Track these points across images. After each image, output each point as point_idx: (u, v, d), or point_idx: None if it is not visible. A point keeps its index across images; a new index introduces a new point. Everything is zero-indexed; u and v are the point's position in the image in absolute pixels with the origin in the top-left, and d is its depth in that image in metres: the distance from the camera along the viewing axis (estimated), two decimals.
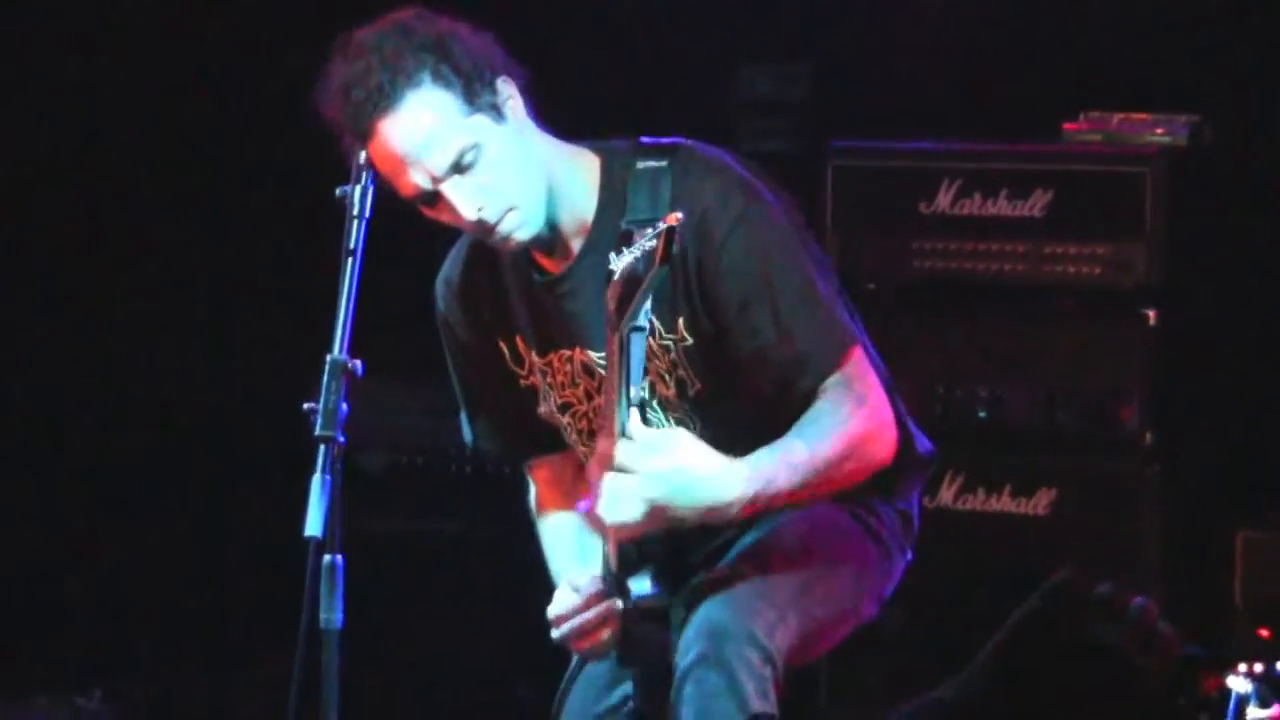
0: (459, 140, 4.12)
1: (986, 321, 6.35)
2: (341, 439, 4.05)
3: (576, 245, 4.31)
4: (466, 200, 4.15)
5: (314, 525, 3.99)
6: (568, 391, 4.41)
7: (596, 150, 4.33)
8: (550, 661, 4.67)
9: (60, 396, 7.63)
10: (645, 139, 4.36)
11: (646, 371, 4.17)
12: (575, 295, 4.33)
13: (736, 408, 4.27)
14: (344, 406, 4.06)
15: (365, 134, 4.11)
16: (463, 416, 4.71)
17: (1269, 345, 6.64)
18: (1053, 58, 6.86)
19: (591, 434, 4.39)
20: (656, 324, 4.19)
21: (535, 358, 4.44)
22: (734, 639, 3.99)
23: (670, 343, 4.27)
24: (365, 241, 4.13)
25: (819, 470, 4.07)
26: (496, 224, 4.18)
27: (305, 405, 4.07)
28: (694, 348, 4.25)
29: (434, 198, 4.19)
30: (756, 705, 3.99)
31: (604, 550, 4.33)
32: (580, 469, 4.53)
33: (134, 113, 7.65)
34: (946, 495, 6.32)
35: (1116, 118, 6.49)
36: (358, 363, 4.09)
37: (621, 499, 3.95)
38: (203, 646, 7.31)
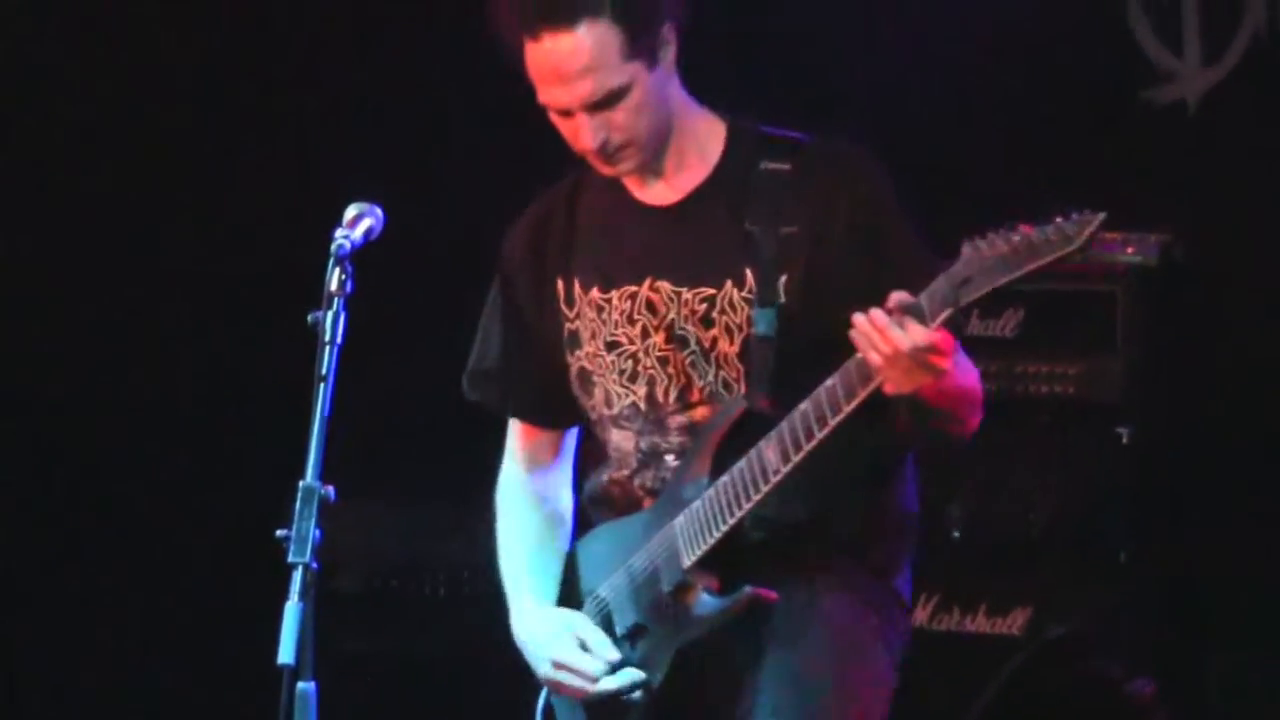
0: (612, 79, 4.13)
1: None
2: (315, 565, 4.00)
3: (685, 188, 4.28)
4: (595, 132, 4.16)
5: (286, 653, 3.89)
6: (621, 330, 4.35)
7: (722, 117, 4.34)
8: None
9: (46, 522, 7.50)
10: (770, 128, 4.38)
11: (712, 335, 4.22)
12: (676, 232, 4.31)
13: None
14: (317, 532, 3.99)
15: (533, 34, 4.15)
16: (468, 369, 4.65)
17: (1240, 458, 6.60)
18: (1023, 174, 6.84)
19: (634, 375, 4.36)
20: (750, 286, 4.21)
21: (596, 294, 4.37)
22: None
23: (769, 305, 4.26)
24: (338, 367, 4.08)
25: (970, 402, 4.12)
26: (609, 155, 4.21)
27: (279, 532, 4.00)
28: (788, 311, 4.24)
29: (566, 113, 4.21)
30: None
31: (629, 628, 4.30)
32: (555, 450, 4.57)
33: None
34: (921, 616, 6.28)
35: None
36: (330, 489, 4.02)
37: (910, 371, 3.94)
38: None
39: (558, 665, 4.35)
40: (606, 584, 4.43)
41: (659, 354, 4.30)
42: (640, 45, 4.16)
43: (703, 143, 4.31)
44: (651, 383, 4.31)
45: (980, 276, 3.84)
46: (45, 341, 7.53)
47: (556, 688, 4.42)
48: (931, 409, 4.09)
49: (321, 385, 4.00)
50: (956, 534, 6.31)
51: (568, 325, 4.42)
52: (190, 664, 7.27)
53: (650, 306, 4.32)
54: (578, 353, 4.41)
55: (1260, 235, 6.78)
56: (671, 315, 4.30)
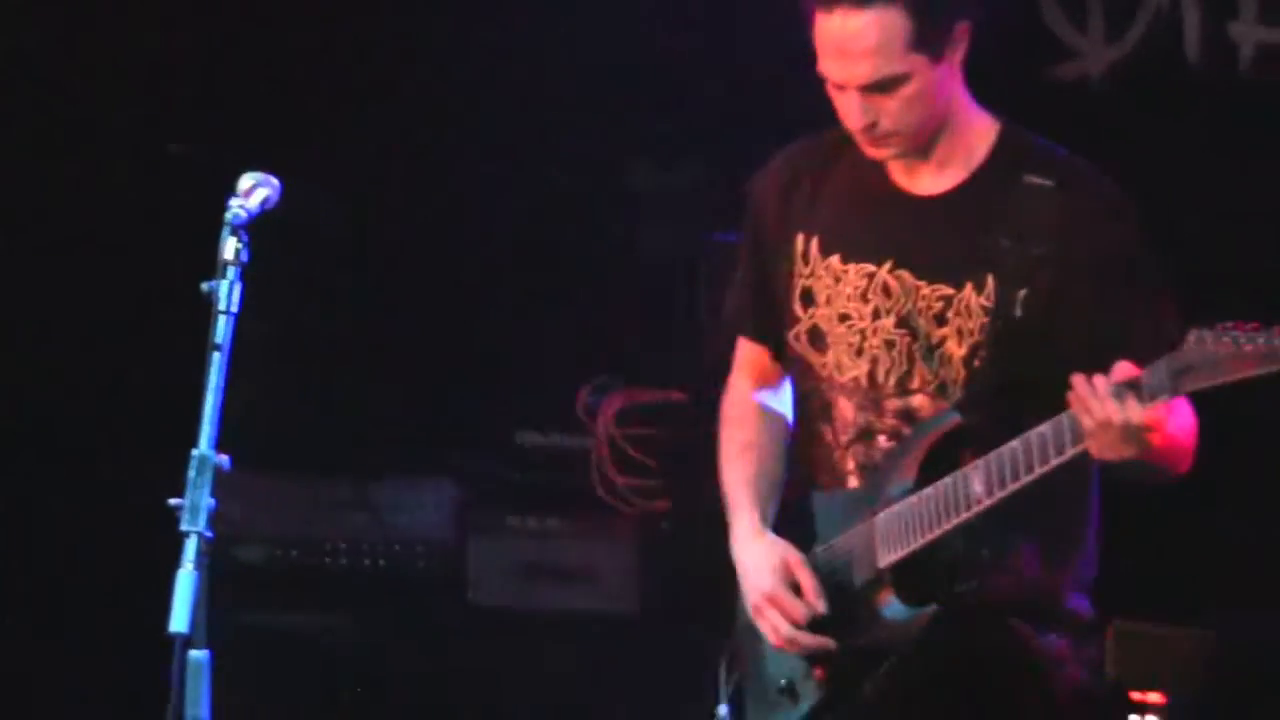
0: (893, 67, 4.13)
1: None
2: (209, 534, 3.91)
3: (949, 182, 4.30)
4: (865, 113, 4.17)
5: (179, 621, 3.82)
6: (852, 304, 4.37)
7: (997, 118, 4.34)
8: None
9: None
10: (1041, 139, 4.39)
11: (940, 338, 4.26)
12: (929, 223, 4.31)
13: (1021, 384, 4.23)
14: (211, 501, 3.93)
15: (827, 6, 4.15)
16: (728, 301, 4.64)
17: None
18: None
19: (860, 351, 4.36)
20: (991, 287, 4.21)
21: (835, 261, 4.39)
22: None
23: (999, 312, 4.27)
24: (233, 337, 4.04)
25: (1178, 457, 4.10)
26: (876, 138, 4.21)
27: (172, 501, 3.94)
28: (1018, 325, 4.26)
29: (841, 87, 4.21)
30: None
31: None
32: (780, 376, 4.58)
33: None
34: None
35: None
36: (224, 458, 3.98)
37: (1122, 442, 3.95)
38: None
39: (770, 598, 4.33)
40: (812, 554, 4.45)
41: (886, 337, 4.31)
42: (928, 38, 4.15)
43: (973, 142, 4.31)
44: (875, 362, 4.31)
45: (1203, 370, 3.80)
46: None
47: (758, 616, 4.38)
48: (1138, 465, 4.09)
49: (216, 354, 3.97)
50: None
51: (802, 280, 4.43)
52: (85, 633, 7.18)
53: (886, 289, 4.32)
54: (811, 310, 4.41)
55: (1160, 212, 6.89)
56: (907, 305, 4.30)
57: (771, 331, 4.57)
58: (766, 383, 4.64)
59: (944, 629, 4.22)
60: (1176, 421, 4.08)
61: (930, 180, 4.32)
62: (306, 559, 7.12)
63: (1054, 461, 3.99)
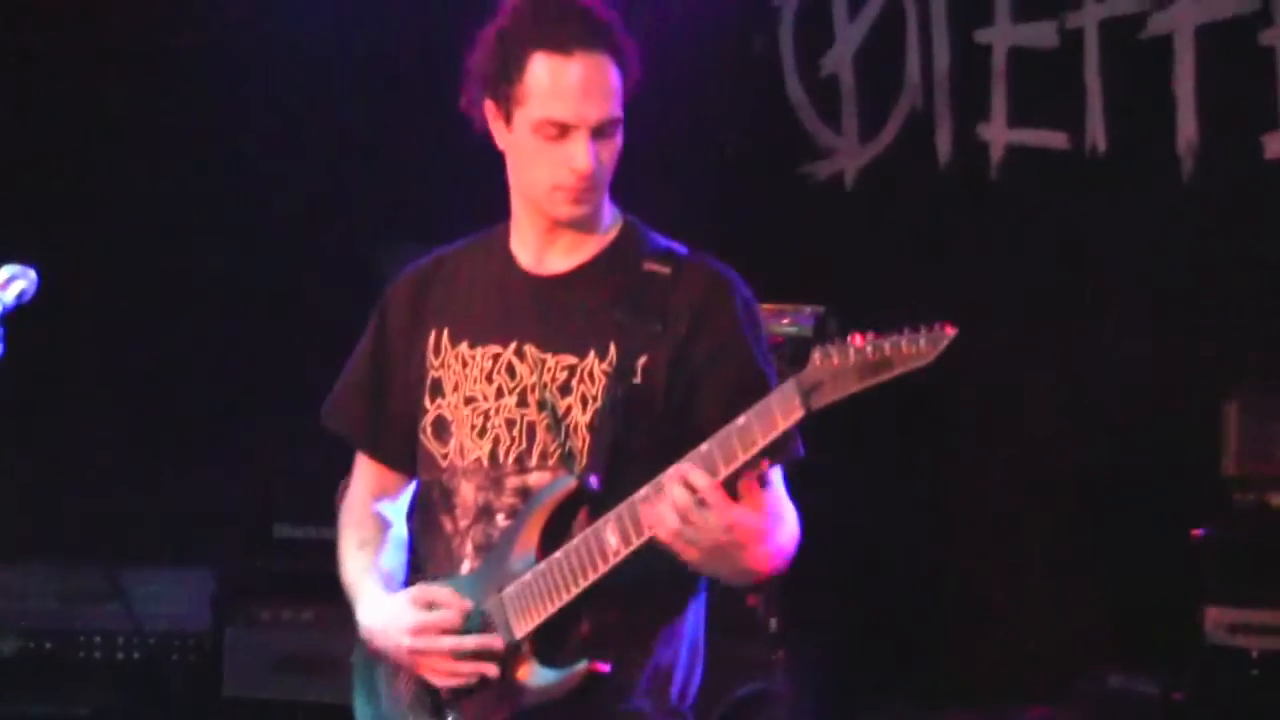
0: (617, 110, 4.23)
1: None
2: None
3: (575, 260, 4.33)
4: (585, 157, 4.19)
5: None
6: (478, 387, 4.35)
7: (620, 209, 4.41)
8: None
9: None
10: (655, 233, 4.47)
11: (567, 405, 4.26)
12: (553, 299, 4.35)
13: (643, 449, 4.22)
14: None
15: (565, 50, 4.16)
16: (331, 398, 4.58)
17: (885, 524, 6.79)
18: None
19: (483, 431, 4.33)
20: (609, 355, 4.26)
21: (464, 348, 4.39)
22: None
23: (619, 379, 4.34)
24: None
25: (783, 550, 4.13)
26: (583, 189, 4.23)
27: None
28: (640, 391, 4.31)
29: (566, 132, 4.17)
30: None
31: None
32: (399, 489, 4.48)
33: None
34: None
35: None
36: None
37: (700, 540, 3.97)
38: None
39: (416, 631, 4.27)
40: None
41: (508, 415, 4.29)
42: (625, 95, 4.30)
43: (602, 228, 4.39)
44: (496, 441, 4.29)
45: (830, 383, 3.87)
46: None
47: (421, 658, 4.28)
48: (713, 566, 4.04)
49: None
50: None
51: (432, 373, 4.43)
52: None
53: (511, 369, 4.37)
54: (439, 400, 4.41)
55: (904, 304, 6.97)
56: (530, 380, 4.32)
57: (388, 444, 4.56)
58: (385, 492, 4.65)
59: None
60: (772, 521, 4.08)
61: (559, 261, 4.38)
62: (61, 652, 6.95)
63: (642, 538, 4.03)
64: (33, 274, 4.21)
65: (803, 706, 6.42)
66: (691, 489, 3.97)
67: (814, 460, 4.25)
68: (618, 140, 4.31)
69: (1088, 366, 6.98)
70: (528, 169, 4.31)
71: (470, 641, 4.26)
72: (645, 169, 6.54)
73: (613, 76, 4.23)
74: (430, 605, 4.32)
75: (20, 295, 4.17)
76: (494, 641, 4.25)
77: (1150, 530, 6.53)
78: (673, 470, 4.03)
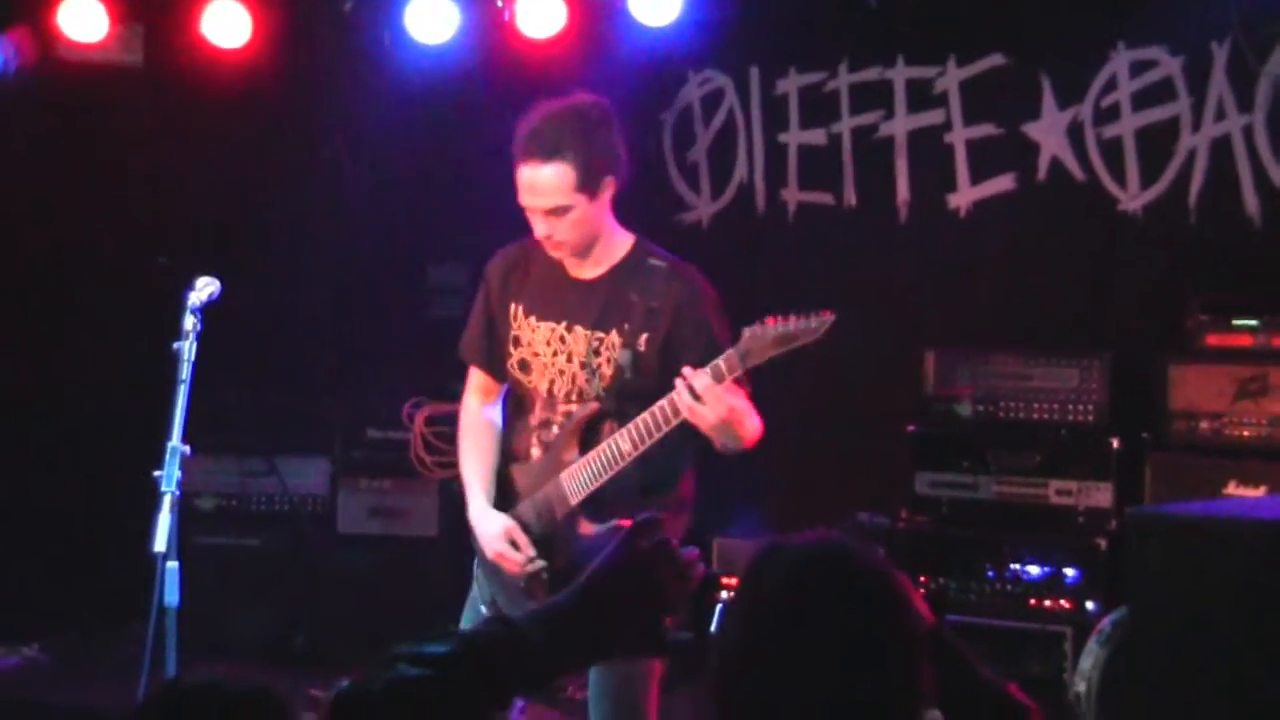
0: (561, 199, 4.46)
1: None
2: (178, 492, 4.64)
3: (600, 271, 4.62)
4: (543, 227, 4.53)
5: (160, 544, 4.59)
6: (539, 350, 4.64)
7: (633, 234, 4.67)
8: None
9: None
10: (658, 247, 4.65)
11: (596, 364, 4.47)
12: (588, 296, 4.61)
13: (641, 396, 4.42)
14: (178, 473, 4.64)
15: (523, 158, 4.47)
16: (464, 338, 4.86)
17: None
18: None
19: (544, 374, 4.63)
20: (625, 333, 4.49)
21: (533, 320, 4.64)
22: None
23: (628, 349, 4.49)
24: (193, 376, 4.76)
25: (755, 433, 4.44)
26: (553, 244, 4.56)
27: (154, 473, 4.65)
28: (642, 354, 4.49)
29: (532, 211, 4.53)
30: None
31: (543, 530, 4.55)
32: (497, 393, 4.79)
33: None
34: None
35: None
36: (187, 447, 4.69)
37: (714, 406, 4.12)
38: (92, 614, 7.48)
39: (498, 555, 4.60)
40: (521, 507, 4.67)
41: (560, 368, 4.63)
42: (587, 185, 4.46)
43: (616, 247, 4.63)
44: (552, 382, 4.64)
45: (757, 351, 4.22)
46: None
47: (498, 561, 4.61)
48: (723, 432, 4.40)
49: (182, 386, 4.74)
50: None
51: (514, 330, 4.69)
52: (93, 557, 7.47)
53: (562, 339, 4.63)
54: (520, 350, 4.67)
55: (744, 300, 6.36)
56: (573, 346, 4.58)
57: (494, 363, 4.76)
58: (488, 398, 4.81)
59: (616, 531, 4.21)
60: (746, 413, 4.45)
61: (589, 270, 4.62)
62: (241, 506, 7.54)
63: (674, 421, 4.35)
64: (218, 282, 4.91)
65: None
66: (692, 389, 4.28)
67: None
68: (573, 217, 4.50)
69: (842, 333, 6.17)
70: None
71: (530, 567, 4.57)
72: None
73: (562, 177, 4.45)
74: (513, 543, 4.59)
75: (211, 296, 4.85)
76: (542, 566, 4.53)
77: (885, 427, 6.89)
78: (686, 372, 4.30)
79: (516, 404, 4.69)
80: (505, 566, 4.53)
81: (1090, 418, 6.49)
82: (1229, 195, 6.65)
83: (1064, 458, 6.46)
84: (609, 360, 4.50)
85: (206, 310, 4.77)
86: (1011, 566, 6.45)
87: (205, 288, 4.77)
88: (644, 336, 4.45)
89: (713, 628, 2.31)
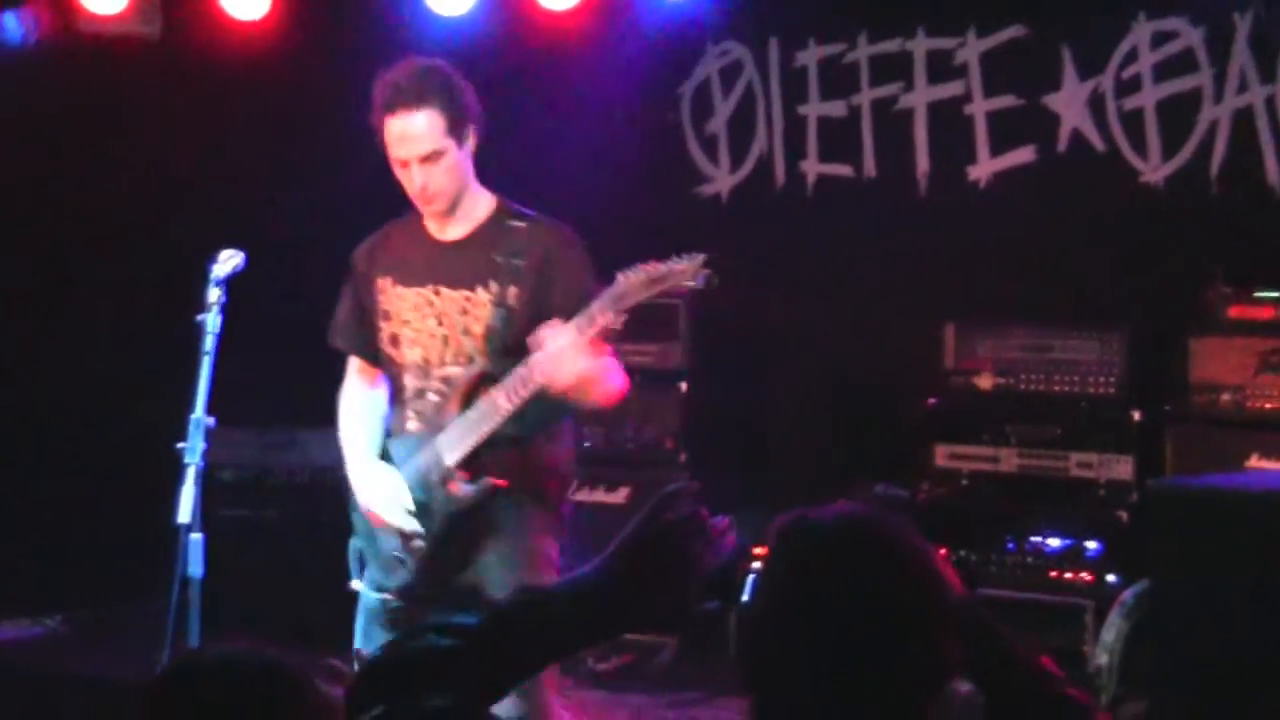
0: (435, 144, 4.52)
1: None
2: (201, 464, 4.66)
3: (464, 231, 4.66)
4: (418, 177, 4.56)
5: (184, 515, 4.63)
6: (412, 314, 4.68)
7: (494, 194, 4.73)
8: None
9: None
10: (518, 205, 4.69)
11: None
12: (453, 257, 4.66)
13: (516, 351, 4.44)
14: (203, 444, 4.65)
15: (392, 112, 4.52)
16: (331, 326, 4.91)
17: (753, 402, 7.32)
18: (626, 242, 6.34)
19: (415, 343, 4.66)
20: (494, 289, 4.51)
21: (400, 289, 4.67)
22: None
23: (500, 303, 4.52)
24: (217, 348, 4.76)
25: (619, 390, 4.53)
26: (429, 196, 4.59)
27: (179, 445, 4.68)
28: (513, 310, 4.51)
29: (405, 164, 4.57)
30: None
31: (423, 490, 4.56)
32: (376, 379, 4.80)
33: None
34: (577, 494, 6.47)
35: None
36: (212, 418, 4.71)
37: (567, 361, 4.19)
38: (115, 585, 7.37)
39: (369, 511, 4.71)
40: (401, 472, 4.67)
41: (430, 332, 4.65)
42: (454, 130, 4.54)
43: (479, 207, 4.69)
44: (426, 348, 4.66)
45: (631, 294, 4.30)
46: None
47: (370, 514, 4.69)
48: (579, 393, 4.42)
49: (206, 358, 4.73)
50: (588, 444, 6.96)
51: (383, 305, 4.73)
52: (116, 528, 7.41)
53: (430, 302, 4.66)
54: (390, 322, 4.72)
55: (764, 272, 7.32)
56: (442, 308, 4.62)
57: (366, 346, 4.78)
58: (368, 378, 4.85)
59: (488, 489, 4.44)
60: (607, 372, 4.46)
61: (454, 230, 4.67)
62: (262, 478, 7.46)
63: (534, 384, 4.36)
64: (242, 254, 4.86)
65: None
66: (546, 350, 4.27)
67: None
68: (444, 164, 4.53)
69: (861, 306, 7.33)
70: (404, 186, 4.66)
71: (404, 524, 4.60)
72: (609, 193, 6.95)
73: (433, 120, 4.50)
74: (391, 496, 4.58)
75: (235, 268, 4.83)
76: (418, 528, 4.56)
77: (900, 401, 7.07)
78: (542, 329, 4.31)
79: (392, 387, 4.74)
80: (376, 518, 4.58)
81: (1111, 390, 6.50)
82: (1251, 167, 6.65)
83: (1085, 430, 6.47)
84: (478, 320, 4.52)
85: (230, 282, 4.78)
86: (1032, 539, 6.48)
87: (229, 260, 4.75)
88: (512, 291, 4.47)
89: (743, 598, 2.33)
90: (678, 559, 2.34)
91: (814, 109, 7.64)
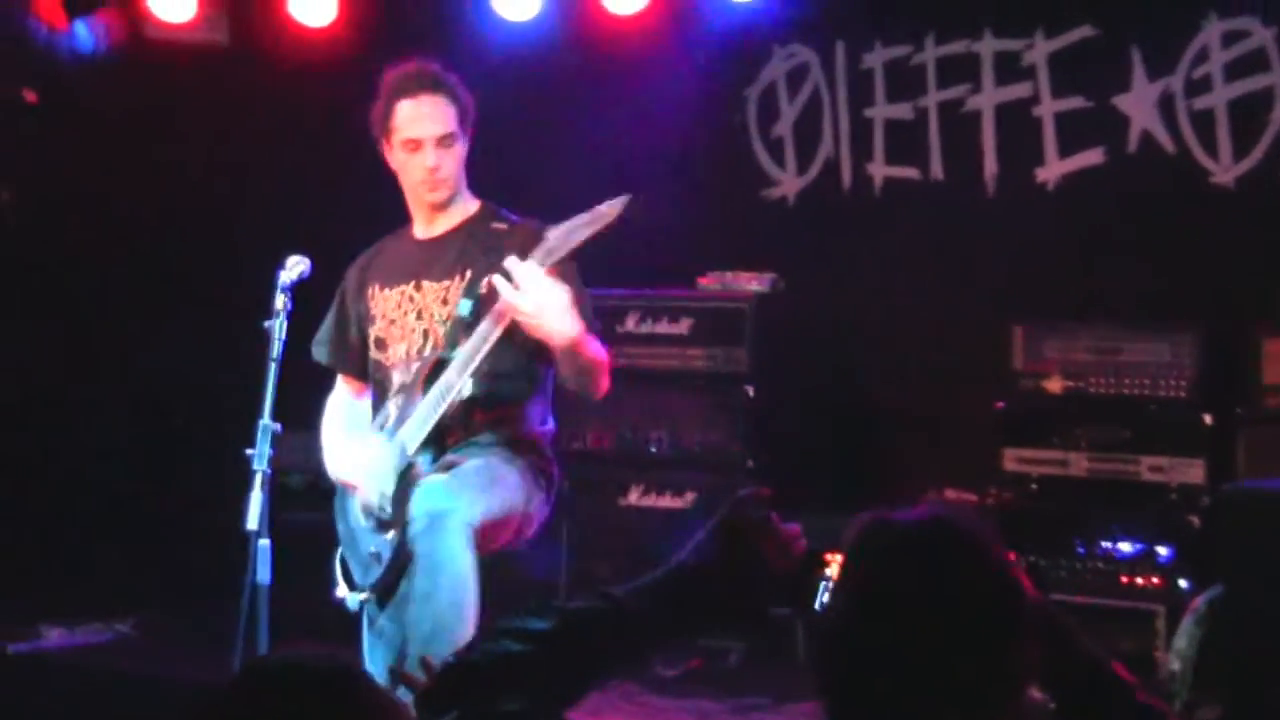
0: (449, 128, 4.72)
1: (656, 394, 7.03)
2: (269, 470, 4.66)
3: (449, 226, 4.83)
4: (431, 158, 4.72)
5: (252, 522, 4.65)
6: (395, 311, 4.83)
7: (479, 196, 4.89)
8: None
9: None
10: (502, 209, 4.81)
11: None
12: (434, 251, 4.80)
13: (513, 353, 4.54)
14: (270, 451, 4.66)
15: (412, 95, 4.69)
16: (317, 343, 5.03)
17: (819, 406, 7.32)
18: (692, 243, 7.46)
19: (400, 338, 4.78)
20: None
21: (385, 291, 4.80)
22: (451, 514, 4.38)
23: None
24: (283, 353, 4.78)
25: (596, 371, 4.56)
26: (437, 180, 4.73)
27: (247, 451, 4.69)
28: (485, 299, 4.63)
29: (419, 145, 4.70)
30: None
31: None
32: (361, 391, 4.94)
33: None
34: (634, 497, 7.05)
35: (729, 274, 7.21)
36: (279, 425, 4.71)
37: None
38: (185, 590, 7.28)
39: (344, 482, 4.87)
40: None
41: (410, 327, 4.78)
42: (463, 122, 4.72)
43: (468, 205, 4.87)
44: (409, 343, 4.78)
45: (560, 245, 4.39)
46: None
47: (344, 482, 4.84)
48: (573, 363, 4.49)
49: (273, 364, 4.73)
50: (653, 449, 7.09)
51: (371, 310, 4.88)
52: (186, 534, 7.42)
53: (411, 299, 4.80)
54: (376, 326, 4.86)
55: (830, 275, 7.39)
56: (423, 302, 4.74)
57: (351, 363, 4.92)
58: (353, 389, 5.03)
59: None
60: (594, 344, 4.49)
61: (441, 225, 4.82)
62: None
63: (492, 338, 4.44)
64: (308, 261, 4.90)
65: None
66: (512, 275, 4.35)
67: None
68: (456, 149, 4.69)
69: (928, 309, 7.32)
70: (405, 175, 4.79)
71: (374, 501, 4.68)
72: (676, 197, 6.97)
73: (448, 106, 4.68)
74: (368, 470, 4.66)
75: (301, 274, 4.87)
76: (382, 511, 4.61)
77: (972, 403, 6.92)
78: (507, 262, 4.38)
79: (379, 388, 4.81)
80: (352, 487, 4.72)
81: (1182, 393, 6.44)
82: None
83: (1155, 433, 6.40)
84: (453, 305, 4.62)
85: (296, 288, 4.80)
86: (1102, 544, 6.44)
87: (296, 266, 4.78)
88: (485, 282, 4.54)
89: (816, 604, 2.36)
90: (751, 561, 2.34)
91: (880, 111, 7.62)
